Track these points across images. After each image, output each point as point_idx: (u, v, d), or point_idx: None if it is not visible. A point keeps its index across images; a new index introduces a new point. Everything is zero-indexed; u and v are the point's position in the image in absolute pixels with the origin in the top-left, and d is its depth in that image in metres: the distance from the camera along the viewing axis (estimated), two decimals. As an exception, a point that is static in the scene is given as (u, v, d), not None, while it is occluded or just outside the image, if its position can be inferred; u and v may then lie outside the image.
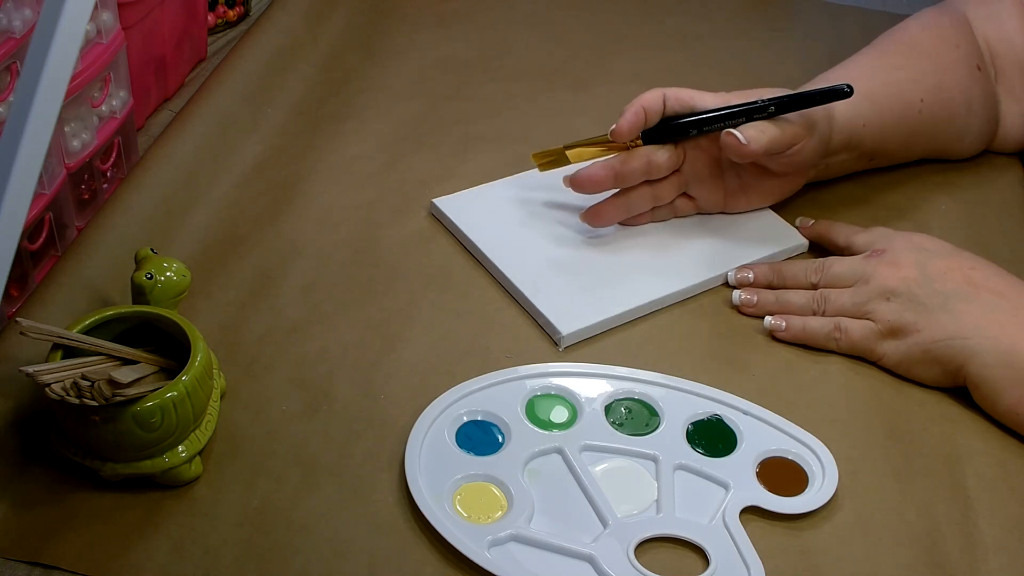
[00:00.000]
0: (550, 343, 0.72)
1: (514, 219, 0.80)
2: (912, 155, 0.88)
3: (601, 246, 0.79)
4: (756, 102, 0.74)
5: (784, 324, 0.72)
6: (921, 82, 0.84)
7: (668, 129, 0.76)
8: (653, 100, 0.76)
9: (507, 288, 0.75)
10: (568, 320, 0.72)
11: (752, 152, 0.73)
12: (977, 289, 0.69)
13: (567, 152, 0.78)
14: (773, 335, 0.73)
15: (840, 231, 0.78)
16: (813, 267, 0.75)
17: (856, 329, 0.71)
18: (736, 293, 0.75)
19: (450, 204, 0.82)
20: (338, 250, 0.79)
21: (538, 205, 0.78)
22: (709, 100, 0.76)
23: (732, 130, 0.73)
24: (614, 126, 0.76)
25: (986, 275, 0.70)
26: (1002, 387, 0.66)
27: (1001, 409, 0.67)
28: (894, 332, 0.69)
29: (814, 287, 0.74)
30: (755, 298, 0.75)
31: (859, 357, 0.72)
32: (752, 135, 0.73)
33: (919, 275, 0.70)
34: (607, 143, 0.77)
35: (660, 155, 0.77)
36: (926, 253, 0.72)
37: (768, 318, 0.73)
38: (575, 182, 0.77)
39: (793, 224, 0.81)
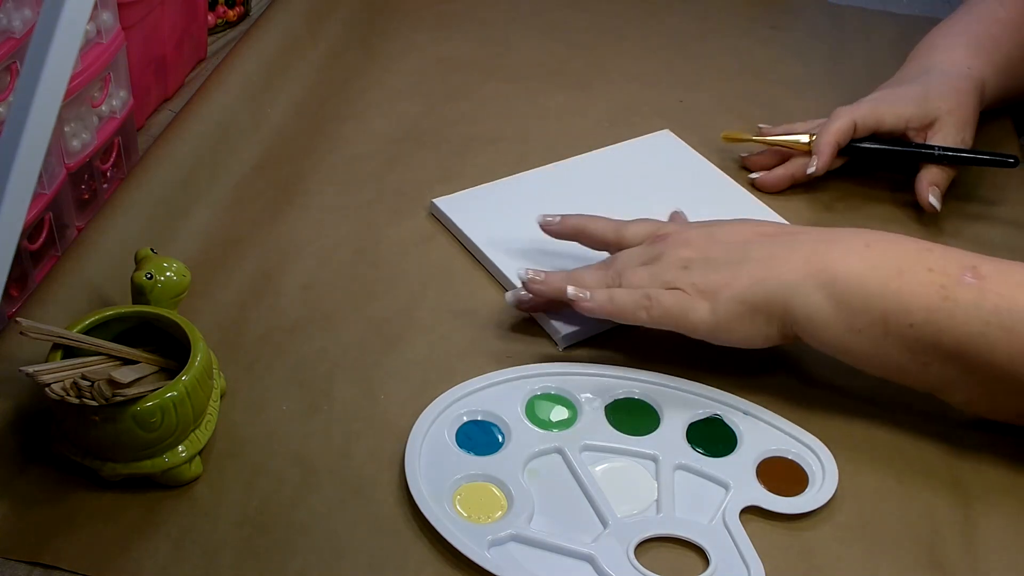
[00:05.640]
0: (550, 343, 0.72)
1: (514, 219, 0.80)
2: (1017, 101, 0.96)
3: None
4: (932, 150, 0.83)
5: (589, 294, 0.67)
6: None
7: (852, 151, 0.86)
8: (845, 133, 0.84)
9: (507, 288, 0.75)
10: (567, 320, 0.72)
11: (936, 211, 0.83)
12: (771, 236, 0.67)
13: (754, 139, 0.88)
14: (576, 305, 0.67)
15: (603, 225, 0.73)
16: (601, 264, 0.71)
17: (668, 296, 0.66)
18: (519, 272, 0.71)
19: (450, 204, 0.82)
20: (338, 250, 0.79)
21: (538, 205, 0.78)
22: (891, 120, 0.84)
23: (929, 197, 0.83)
24: (813, 167, 0.84)
25: (777, 227, 0.69)
26: (828, 312, 0.63)
27: (829, 338, 0.64)
28: (704, 295, 0.65)
29: None
30: (542, 276, 0.70)
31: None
32: (936, 200, 0.83)
33: (708, 241, 0.68)
34: (790, 145, 0.87)
35: (837, 163, 0.86)
36: (706, 225, 0.70)
37: (570, 288, 0.67)
38: (759, 185, 0.87)
39: None
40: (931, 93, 0.85)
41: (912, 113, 0.84)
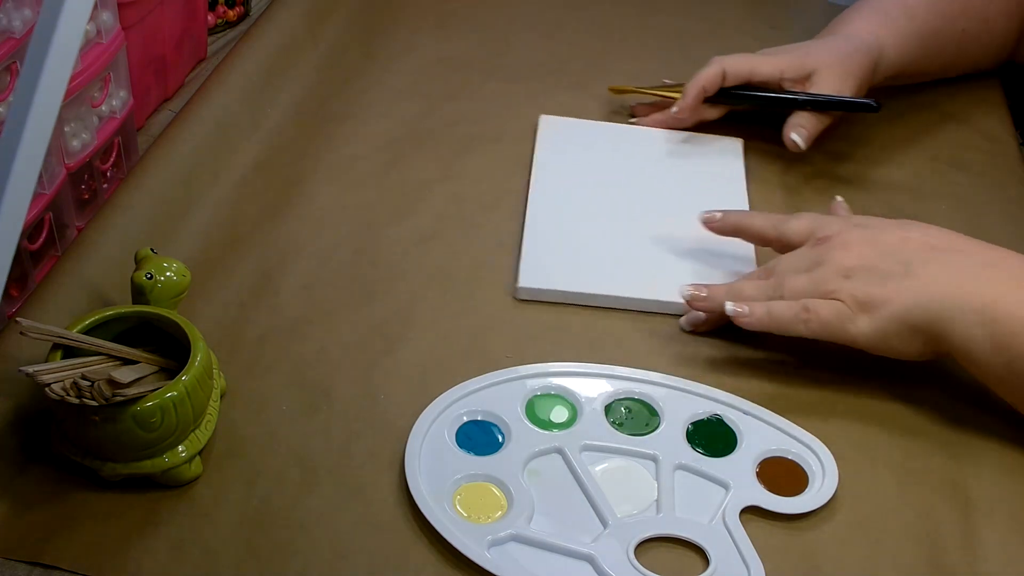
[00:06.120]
0: (550, 343, 0.72)
1: (593, 164, 0.86)
2: (942, 75, 0.96)
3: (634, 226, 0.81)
4: (799, 96, 0.85)
5: (748, 308, 0.68)
6: (967, 10, 0.90)
7: (725, 96, 0.88)
8: (712, 78, 0.86)
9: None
10: (534, 276, 0.75)
11: (800, 150, 0.85)
12: (938, 251, 0.66)
13: (638, 90, 0.94)
14: (736, 321, 0.68)
15: (762, 221, 0.74)
16: (762, 271, 0.72)
17: (825, 308, 0.66)
18: (683, 288, 0.71)
19: (550, 125, 0.89)
20: (338, 250, 0.79)
21: (622, 161, 0.87)
22: (765, 70, 0.86)
23: (791, 135, 0.85)
24: (677, 108, 0.88)
25: (941, 236, 0.68)
26: (986, 349, 0.63)
27: (985, 373, 0.64)
28: (863, 307, 0.66)
29: None
30: (704, 292, 0.71)
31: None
32: (800, 139, 0.85)
33: (873, 251, 0.67)
34: (671, 95, 0.91)
35: (712, 112, 0.90)
36: (871, 229, 0.69)
37: (729, 304, 0.68)
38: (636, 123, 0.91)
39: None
40: (812, 49, 0.87)
41: (788, 64, 0.85)
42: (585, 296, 0.74)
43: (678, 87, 0.90)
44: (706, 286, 0.71)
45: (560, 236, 0.79)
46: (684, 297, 0.71)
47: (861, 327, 0.66)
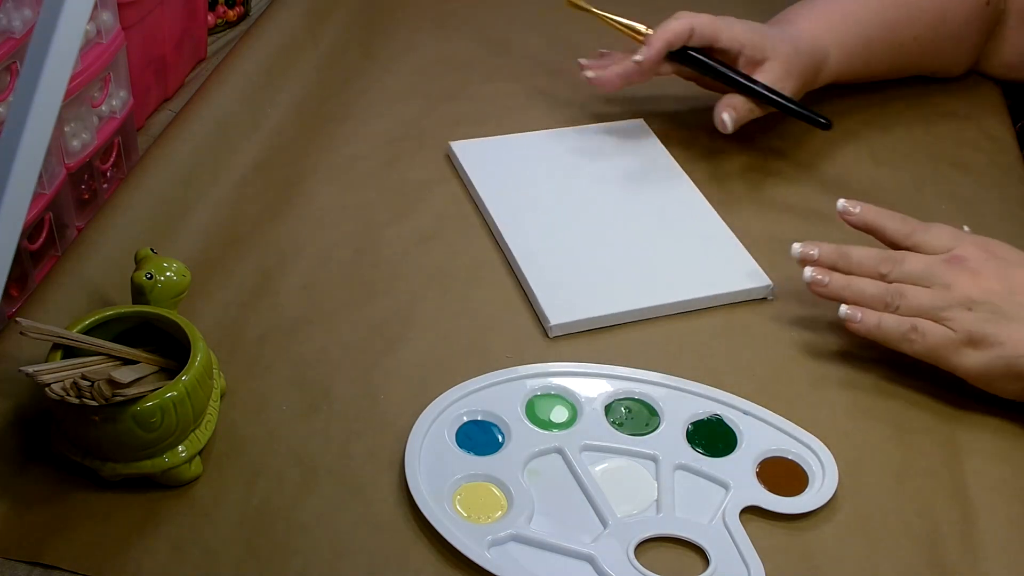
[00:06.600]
0: (550, 343, 0.72)
1: (533, 178, 0.85)
2: (895, 76, 0.96)
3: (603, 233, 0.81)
4: (754, 84, 0.84)
5: (860, 316, 0.69)
6: (920, 19, 0.89)
7: (681, 56, 0.86)
8: (680, 34, 0.84)
9: (507, 256, 0.78)
10: (559, 311, 0.73)
11: (726, 131, 0.85)
12: None
13: (595, 12, 0.90)
14: (847, 325, 0.69)
15: (898, 224, 0.73)
16: (884, 257, 0.71)
17: (935, 333, 0.67)
18: (807, 270, 0.71)
19: (467, 150, 0.87)
20: (338, 250, 0.79)
21: (535, 164, 0.86)
22: (726, 39, 0.84)
23: (723, 114, 0.84)
24: (640, 56, 0.84)
25: None
26: None
27: None
28: (974, 342, 0.66)
29: (882, 278, 0.70)
30: (827, 279, 0.70)
31: (932, 367, 0.68)
32: (730, 121, 0.84)
33: (1003, 287, 0.67)
34: (626, 30, 0.88)
35: (667, 68, 0.87)
36: (1006, 263, 0.69)
37: (843, 307, 0.69)
38: (594, 83, 0.87)
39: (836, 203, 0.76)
40: (768, 34, 0.85)
41: (748, 40, 0.84)
42: (615, 316, 0.73)
43: (635, 29, 0.87)
44: (827, 272, 0.71)
45: (558, 263, 0.77)
46: (807, 280, 0.71)
47: (968, 361, 0.67)
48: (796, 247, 0.72)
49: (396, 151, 0.89)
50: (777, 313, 0.76)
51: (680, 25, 0.84)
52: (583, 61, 0.89)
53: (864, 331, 0.69)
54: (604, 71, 0.87)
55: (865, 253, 0.72)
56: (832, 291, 0.71)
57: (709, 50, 0.86)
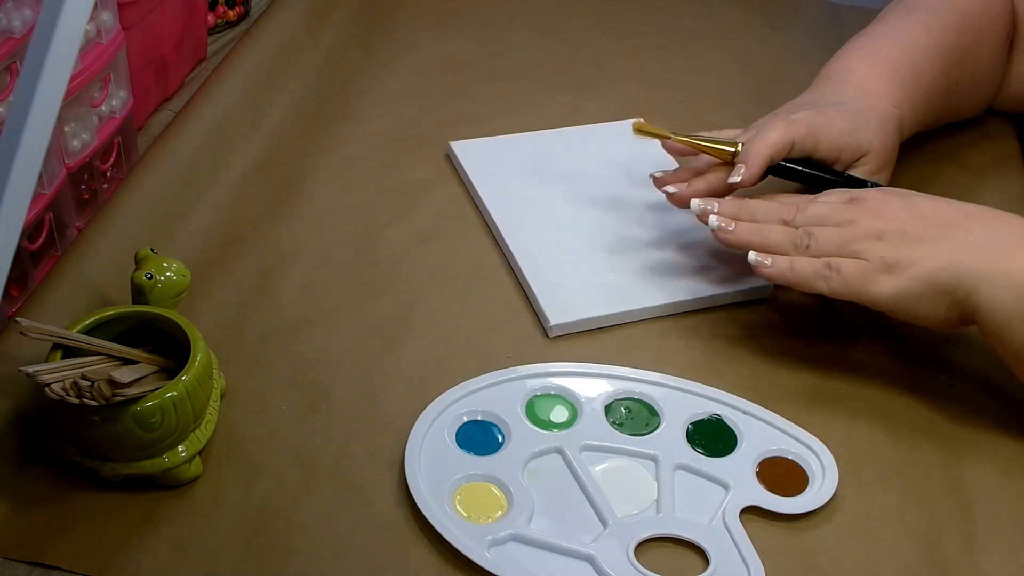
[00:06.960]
0: (550, 343, 0.72)
1: (533, 178, 0.85)
2: (933, 127, 0.90)
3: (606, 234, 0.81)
4: (851, 179, 0.76)
5: (771, 260, 0.67)
6: (960, 63, 0.86)
7: (777, 169, 0.76)
8: (781, 148, 0.74)
9: (507, 257, 0.78)
10: (559, 311, 0.73)
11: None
12: (974, 218, 0.65)
13: (672, 137, 0.78)
14: (757, 270, 0.68)
15: (789, 205, 0.71)
16: (786, 205, 0.70)
17: (849, 267, 0.65)
18: (712, 219, 0.69)
19: (467, 150, 0.86)
20: (338, 250, 0.79)
21: (532, 164, 0.85)
22: (825, 149, 0.76)
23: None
24: (738, 177, 0.73)
25: (978, 207, 0.67)
26: (1013, 317, 0.62)
27: (1009, 339, 0.63)
28: (889, 268, 0.65)
29: (787, 226, 0.69)
30: (732, 226, 0.69)
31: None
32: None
33: (908, 215, 0.66)
34: (712, 148, 0.76)
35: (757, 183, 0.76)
36: (906, 195, 0.68)
37: (752, 254, 0.68)
38: (676, 200, 0.76)
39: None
40: (862, 128, 0.77)
41: (846, 144, 0.76)
42: (615, 316, 0.73)
43: (716, 142, 0.76)
44: (733, 222, 0.69)
45: (558, 263, 0.77)
46: (711, 227, 0.69)
47: (884, 287, 0.65)
48: (695, 203, 0.71)
49: (396, 151, 0.89)
50: (777, 313, 0.76)
51: (781, 138, 0.74)
52: (657, 175, 0.78)
53: (777, 275, 0.67)
54: (689, 187, 0.76)
55: (767, 203, 0.71)
56: (738, 238, 0.69)
57: (805, 160, 0.77)
